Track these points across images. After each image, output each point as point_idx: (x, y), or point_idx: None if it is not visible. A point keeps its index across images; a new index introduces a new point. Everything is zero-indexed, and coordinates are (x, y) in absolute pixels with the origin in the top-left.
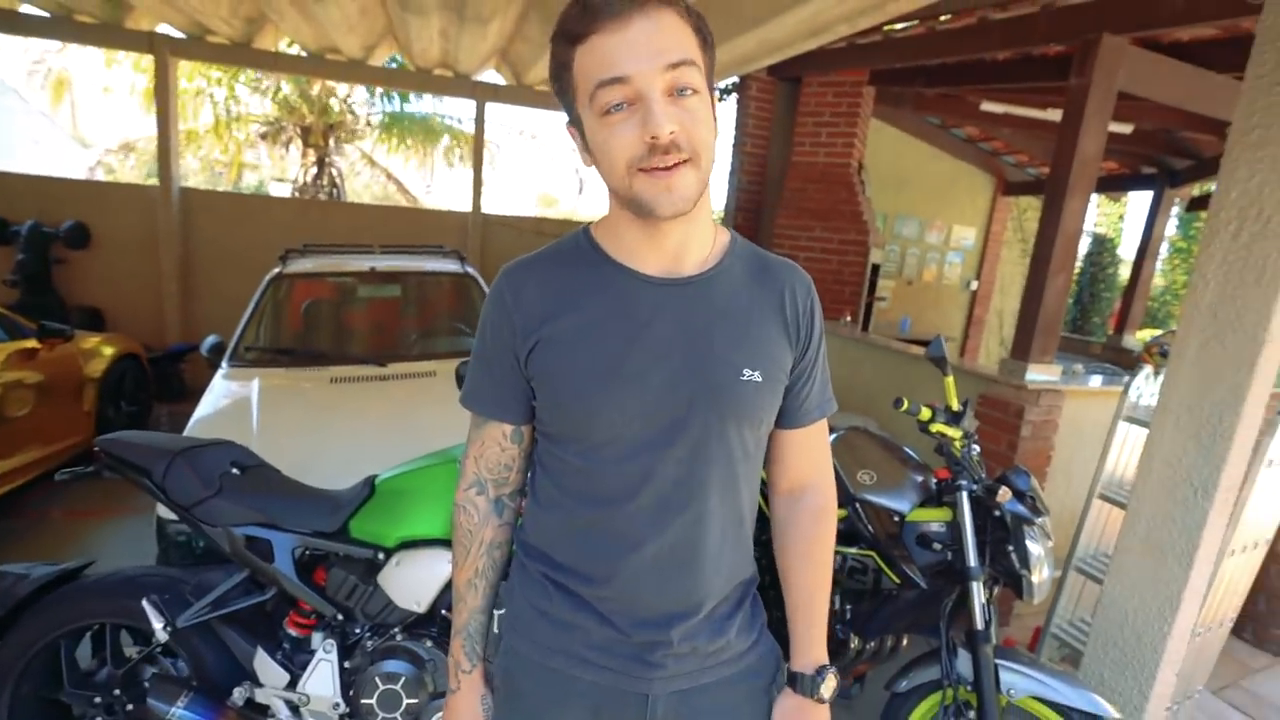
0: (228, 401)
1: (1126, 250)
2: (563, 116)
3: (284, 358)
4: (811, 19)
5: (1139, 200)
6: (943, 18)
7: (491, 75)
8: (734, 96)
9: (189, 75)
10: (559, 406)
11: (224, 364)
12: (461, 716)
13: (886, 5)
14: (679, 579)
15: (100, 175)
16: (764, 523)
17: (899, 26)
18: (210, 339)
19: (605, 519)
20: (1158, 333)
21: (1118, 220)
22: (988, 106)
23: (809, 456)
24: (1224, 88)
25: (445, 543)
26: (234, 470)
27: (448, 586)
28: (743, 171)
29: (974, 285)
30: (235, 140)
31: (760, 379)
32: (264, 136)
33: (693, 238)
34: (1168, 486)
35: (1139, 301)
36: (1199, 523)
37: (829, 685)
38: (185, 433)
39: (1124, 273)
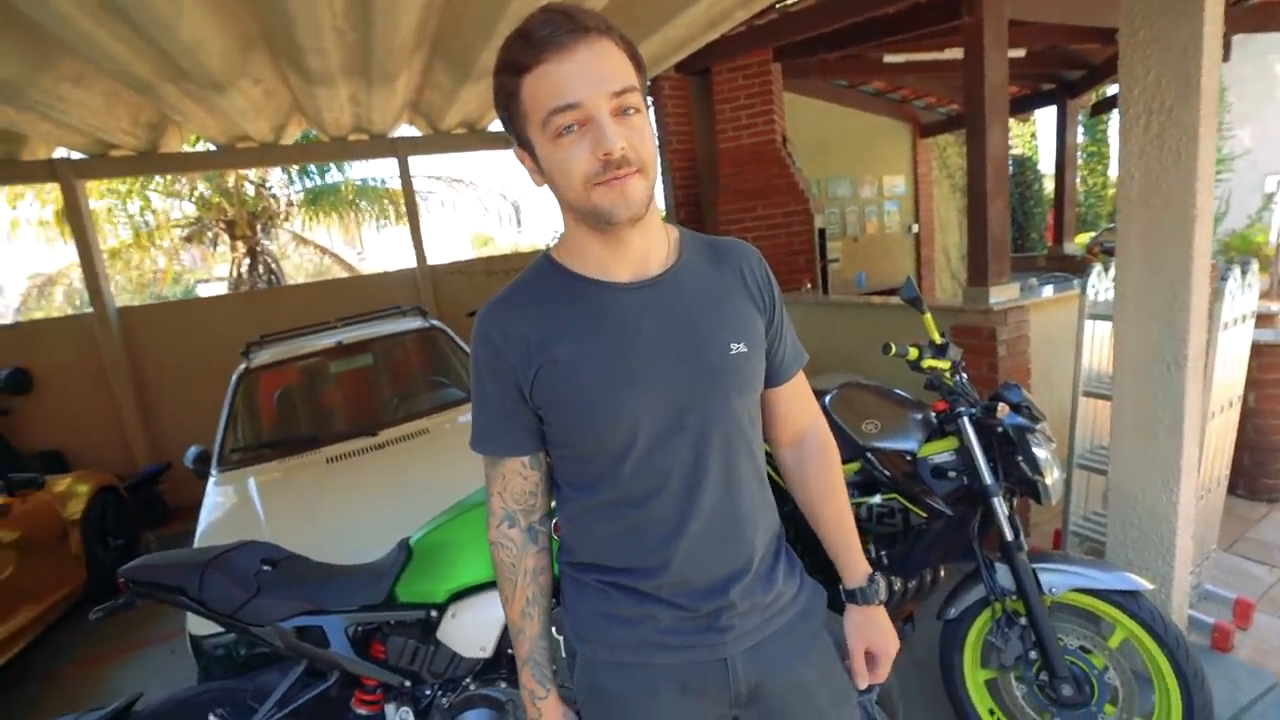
0: (229, 506)
1: (1046, 165)
2: (483, 156)
3: (273, 450)
4: (708, 11)
5: (1046, 117)
6: None
7: (406, 129)
8: (649, 99)
9: (97, 194)
10: (575, 428)
11: (213, 471)
12: None
13: None
14: (726, 545)
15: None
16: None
17: (791, 1)
18: (192, 450)
19: (645, 515)
20: (1093, 233)
21: (1030, 139)
22: (890, 59)
23: (800, 405)
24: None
25: (495, 583)
26: (266, 567)
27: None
28: (674, 169)
29: (915, 228)
30: (160, 249)
31: (746, 349)
32: (188, 239)
33: (652, 241)
34: (1143, 368)
35: (1069, 209)
36: (1179, 394)
37: (881, 588)
38: (195, 543)
39: (1048, 186)
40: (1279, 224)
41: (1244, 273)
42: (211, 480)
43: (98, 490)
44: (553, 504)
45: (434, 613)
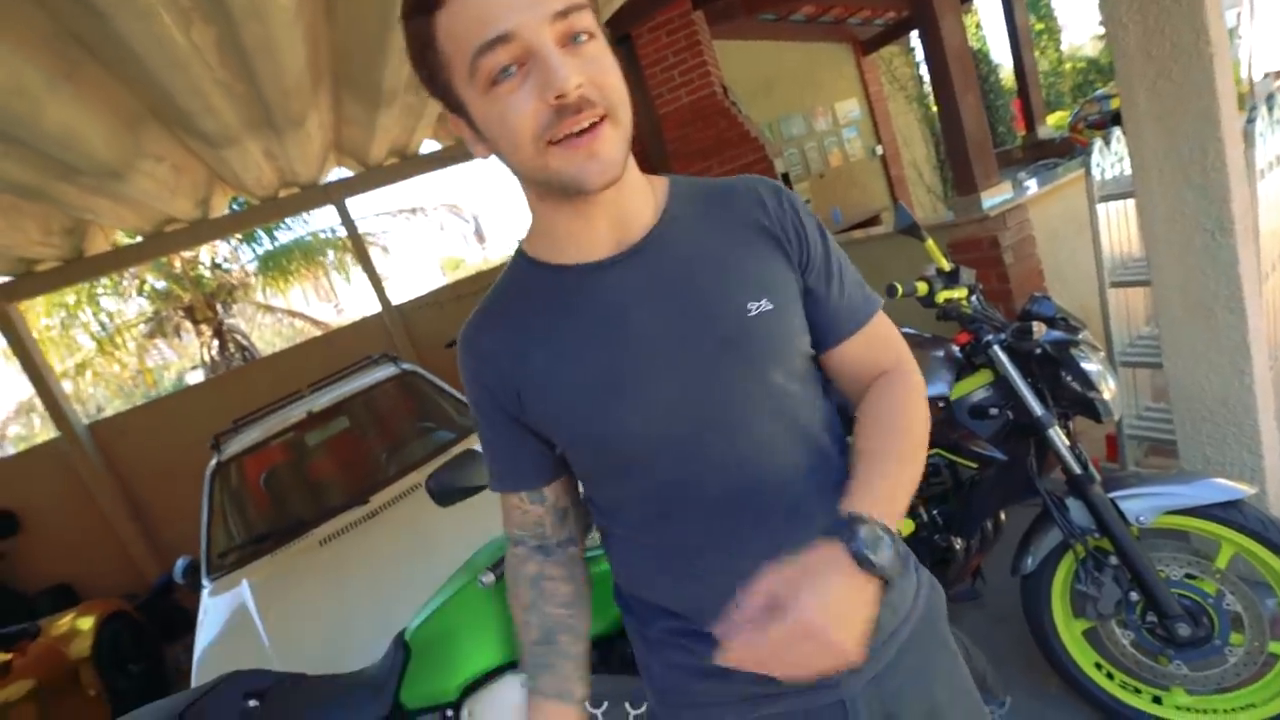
0: (224, 619)
1: (996, 55)
2: (426, 179)
3: (263, 545)
4: None
5: (988, 4)
6: None
7: (339, 172)
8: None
9: (46, 311)
10: (576, 446)
11: (205, 582)
12: None
13: None
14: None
15: (11, 450)
16: None
17: None
18: (180, 562)
19: (688, 542)
20: (1067, 113)
21: (975, 30)
22: None
23: (874, 359)
24: None
25: (511, 665)
26: (252, 703)
27: None
28: None
29: (879, 150)
30: (128, 351)
31: (772, 305)
32: (151, 335)
33: (629, 199)
34: (1183, 241)
35: (1034, 92)
36: (1231, 261)
37: (883, 544)
38: (194, 669)
39: (1003, 76)
40: (1247, 57)
41: (1270, 109)
42: (205, 592)
43: (104, 620)
44: (582, 529)
45: (449, 713)
